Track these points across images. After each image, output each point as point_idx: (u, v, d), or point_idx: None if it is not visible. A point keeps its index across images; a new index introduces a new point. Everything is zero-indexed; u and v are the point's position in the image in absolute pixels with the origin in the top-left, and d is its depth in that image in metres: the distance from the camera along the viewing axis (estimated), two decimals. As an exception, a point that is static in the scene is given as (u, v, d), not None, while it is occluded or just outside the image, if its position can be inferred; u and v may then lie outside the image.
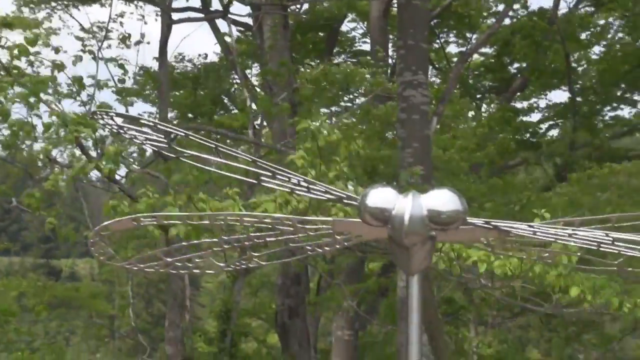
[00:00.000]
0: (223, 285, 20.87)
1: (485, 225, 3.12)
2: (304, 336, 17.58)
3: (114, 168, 7.64)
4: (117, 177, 10.14)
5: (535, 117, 20.47)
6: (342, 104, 19.00)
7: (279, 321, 17.70)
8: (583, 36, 18.97)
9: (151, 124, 3.42)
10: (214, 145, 3.45)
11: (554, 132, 20.36)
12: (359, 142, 7.78)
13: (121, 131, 3.44)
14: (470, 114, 19.16)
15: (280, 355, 17.69)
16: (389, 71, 16.75)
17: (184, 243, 3.75)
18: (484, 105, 20.74)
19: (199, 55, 22.10)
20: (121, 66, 12.06)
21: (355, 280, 16.71)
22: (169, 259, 3.57)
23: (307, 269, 17.69)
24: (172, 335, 12.17)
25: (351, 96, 19.04)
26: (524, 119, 19.73)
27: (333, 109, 18.95)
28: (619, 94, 19.16)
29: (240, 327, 13.84)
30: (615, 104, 19.36)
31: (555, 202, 12.85)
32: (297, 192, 3.27)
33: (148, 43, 16.40)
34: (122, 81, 12.21)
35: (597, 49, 19.31)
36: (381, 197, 3.02)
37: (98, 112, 3.42)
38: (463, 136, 15.18)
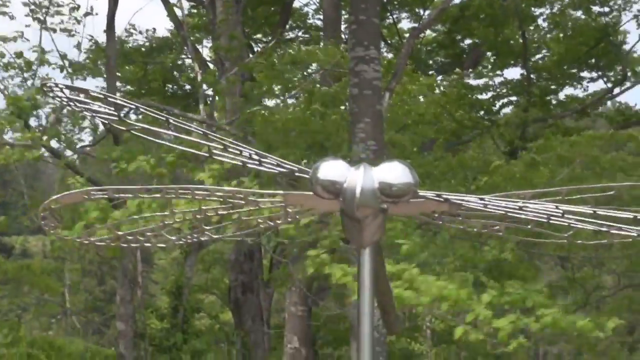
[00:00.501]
0: (176, 262, 20.80)
1: (437, 198, 3.13)
2: (257, 312, 17.60)
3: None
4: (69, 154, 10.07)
5: (489, 95, 20.61)
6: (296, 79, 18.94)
7: (232, 297, 17.71)
8: (538, 13, 19.12)
9: (101, 96, 3.38)
10: (165, 119, 3.41)
11: (508, 110, 20.52)
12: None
13: (70, 104, 3.39)
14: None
15: (233, 331, 17.71)
16: (342, 47, 16.72)
17: (135, 217, 3.73)
18: (438, 82, 20.81)
19: (147, 30, 21.88)
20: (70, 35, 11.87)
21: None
22: (120, 233, 3.55)
23: (260, 244, 17.70)
24: (124, 312, 12.11)
25: (305, 73, 19.00)
26: (479, 96, 19.84)
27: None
28: (572, 72, 19.33)
29: (192, 303, 13.79)
30: (568, 82, 19.55)
31: (509, 174, 12.96)
32: (248, 165, 3.25)
33: (96, 14, 16.21)
34: (64, 56, 12.05)
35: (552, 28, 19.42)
36: (333, 170, 3.02)
37: (47, 85, 3.37)
38: (417, 111, 15.20)
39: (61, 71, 12.15)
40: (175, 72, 20.09)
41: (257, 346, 17.50)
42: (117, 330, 12.50)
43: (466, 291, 7.31)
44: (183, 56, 19.80)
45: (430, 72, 19.93)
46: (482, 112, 19.54)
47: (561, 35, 19.00)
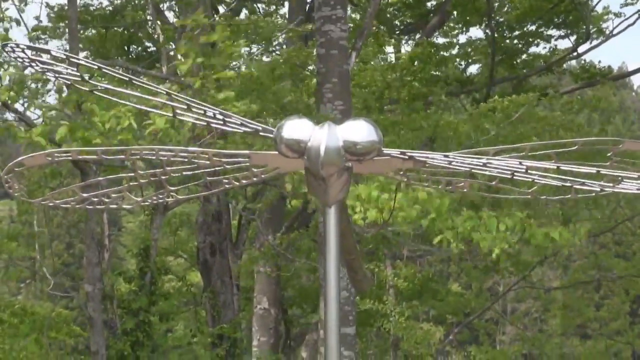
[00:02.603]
0: (144, 225, 20.75)
1: (401, 156, 3.13)
2: (226, 273, 17.63)
3: (13, 95, 7.47)
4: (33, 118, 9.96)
5: (454, 54, 20.63)
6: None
7: (201, 258, 17.72)
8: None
9: (63, 57, 3.35)
10: (127, 78, 3.39)
11: (473, 69, 20.59)
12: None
13: (32, 64, 3.37)
14: (390, 51, 19.24)
15: (202, 292, 17.74)
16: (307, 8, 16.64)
17: (100, 178, 3.71)
18: (403, 44, 20.81)
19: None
20: None
21: (277, 216, 16.77)
22: (85, 195, 3.54)
23: (228, 206, 17.68)
24: (91, 274, 12.08)
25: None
26: (444, 54, 19.85)
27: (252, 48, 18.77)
28: (533, 29, 19.38)
29: (159, 265, 13.79)
30: (533, 40, 19.60)
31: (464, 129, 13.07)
32: (212, 125, 3.25)
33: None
34: (18, 21, 11.88)
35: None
36: (297, 128, 3.01)
37: (9, 45, 3.34)
38: (381, 71, 15.21)
39: (17, 24, 11.99)
40: (139, 34, 19.90)
41: (227, 307, 17.55)
42: (85, 293, 12.47)
43: (447, 201, 7.35)
44: (145, 17, 19.58)
45: (397, 32, 19.92)
46: (447, 72, 19.57)
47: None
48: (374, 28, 15.86)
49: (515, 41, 19.58)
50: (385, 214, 7.05)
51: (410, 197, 7.35)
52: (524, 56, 20.05)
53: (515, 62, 19.76)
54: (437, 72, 18.71)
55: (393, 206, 6.90)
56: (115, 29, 19.32)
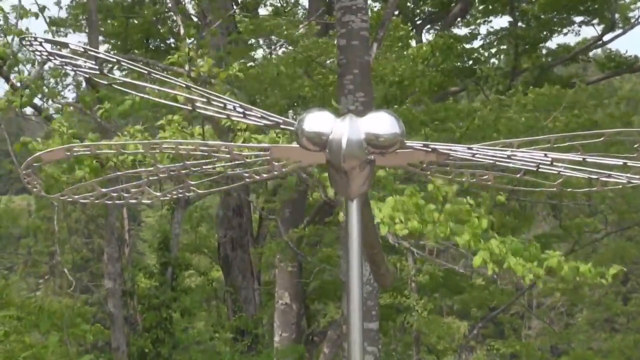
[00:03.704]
0: (165, 219, 20.84)
1: (424, 149, 3.13)
2: (247, 268, 17.68)
3: (26, 100, 7.51)
4: (51, 112, 10.01)
5: (477, 44, 20.58)
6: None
7: (222, 253, 17.77)
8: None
9: (82, 50, 3.37)
10: (146, 72, 3.41)
11: (496, 60, 20.49)
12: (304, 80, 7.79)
13: (51, 58, 3.39)
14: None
15: (223, 288, 17.80)
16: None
17: (119, 173, 3.73)
18: (424, 33, 20.78)
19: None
20: None
21: (299, 211, 16.79)
22: (103, 190, 3.55)
23: (249, 200, 17.73)
24: (112, 270, 12.14)
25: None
26: (466, 46, 19.79)
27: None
28: (562, 18, 19.26)
29: (181, 260, 13.85)
30: (555, 29, 19.50)
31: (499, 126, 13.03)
32: (233, 118, 3.25)
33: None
34: (43, 9, 11.93)
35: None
36: (318, 121, 3.01)
37: (27, 38, 3.36)
38: (404, 62, 15.20)
39: (36, 18, 12.06)
40: (158, 27, 19.96)
41: (248, 303, 17.61)
42: (105, 289, 12.54)
43: (486, 222, 7.36)
44: (166, 10, 19.65)
45: (418, 21, 19.88)
46: (470, 63, 19.51)
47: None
48: (395, 18, 15.85)
49: (540, 30, 19.47)
50: (429, 227, 7.06)
51: (451, 210, 7.36)
52: (547, 44, 19.98)
53: (539, 52, 19.67)
54: (459, 64, 18.67)
55: (439, 217, 6.89)
56: (136, 21, 19.37)
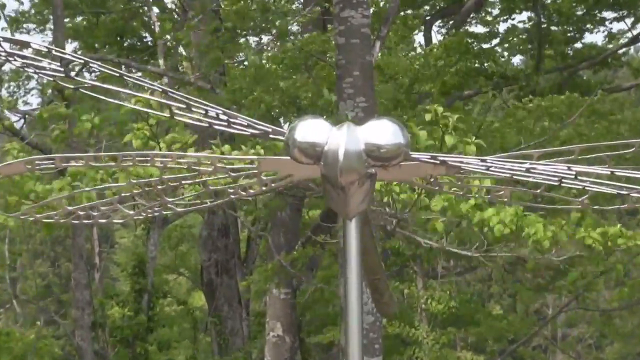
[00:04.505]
0: (141, 240, 20.81)
1: (432, 161, 3.13)
2: (234, 295, 17.65)
3: None
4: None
5: (495, 44, 20.57)
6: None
7: (205, 279, 17.74)
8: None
9: (46, 49, 3.36)
10: (118, 74, 3.40)
11: (517, 61, 20.53)
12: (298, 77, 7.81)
13: (10, 59, 3.37)
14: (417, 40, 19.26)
15: (207, 317, 17.77)
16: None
17: (87, 188, 3.73)
18: (435, 29, 20.81)
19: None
20: None
21: (292, 229, 16.76)
22: (70, 207, 3.55)
23: (236, 218, 17.70)
24: (80, 298, 12.12)
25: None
26: (483, 46, 19.80)
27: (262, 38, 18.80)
28: (591, 14, 19.28)
29: (158, 286, 13.83)
30: (584, 27, 19.51)
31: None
32: (215, 126, 3.25)
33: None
34: (3, 6, 11.94)
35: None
36: (312, 130, 3.00)
37: (-19, 38, 3.34)
38: (412, 62, 15.22)
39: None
40: (133, 22, 19.96)
41: (235, 334, 17.58)
42: (73, 320, 12.52)
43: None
44: (140, 4, 19.65)
45: (427, 16, 19.90)
46: (487, 64, 19.51)
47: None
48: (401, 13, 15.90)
49: (566, 27, 19.48)
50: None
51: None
52: (575, 44, 19.96)
53: (565, 53, 19.67)
54: (476, 64, 18.68)
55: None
56: (107, 16, 19.36)
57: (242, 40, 15.58)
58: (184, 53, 15.92)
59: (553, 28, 19.40)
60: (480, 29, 20.15)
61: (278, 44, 15.71)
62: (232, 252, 17.78)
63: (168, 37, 14.38)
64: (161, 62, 13.68)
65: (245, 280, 17.66)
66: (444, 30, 20.63)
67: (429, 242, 9.06)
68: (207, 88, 11.32)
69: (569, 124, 13.32)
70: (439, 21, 21.00)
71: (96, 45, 19.62)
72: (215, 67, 12.28)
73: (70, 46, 19.75)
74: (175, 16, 17.52)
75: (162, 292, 14.64)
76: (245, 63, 15.49)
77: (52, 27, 16.39)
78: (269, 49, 16.31)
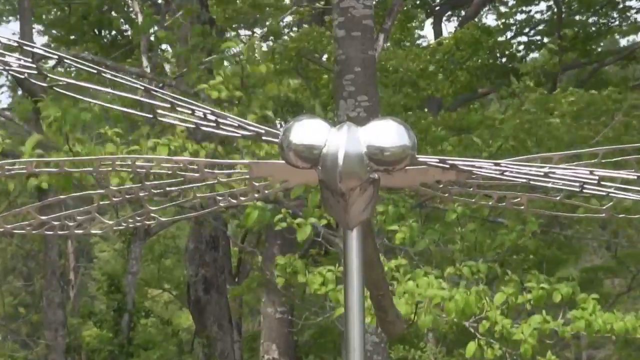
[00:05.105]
0: (120, 254, 20.81)
1: (441, 165, 3.12)
2: (224, 314, 17.63)
3: None
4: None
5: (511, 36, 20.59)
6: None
7: (192, 296, 17.72)
8: None
9: (15, 43, 3.37)
10: (96, 71, 3.40)
11: (535, 56, 20.53)
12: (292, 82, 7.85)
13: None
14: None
15: (194, 338, 17.76)
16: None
17: (62, 196, 3.73)
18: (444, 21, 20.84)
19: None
20: None
21: (288, 240, 16.76)
22: (43, 217, 3.55)
23: (226, 229, 17.68)
24: (53, 318, 12.10)
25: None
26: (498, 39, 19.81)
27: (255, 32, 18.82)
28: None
29: (139, 304, 13.81)
30: (609, 16, 19.52)
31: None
32: (202, 127, 3.25)
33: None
34: None
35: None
36: (309, 131, 3.00)
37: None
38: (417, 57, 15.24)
39: None
40: (112, 13, 19.95)
41: (225, 357, 17.57)
42: (45, 342, 12.51)
43: (474, 293, 7.49)
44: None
45: (436, 7, 19.94)
46: (502, 60, 19.53)
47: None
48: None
49: (588, 17, 19.50)
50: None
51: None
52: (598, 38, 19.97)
53: (588, 48, 19.68)
54: (490, 60, 18.69)
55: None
56: (82, 7, 19.34)
57: (232, 34, 15.60)
58: (168, 49, 15.93)
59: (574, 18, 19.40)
60: (493, 21, 20.15)
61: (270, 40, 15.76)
62: (221, 266, 17.76)
63: (150, 31, 14.37)
64: (145, 61, 13.64)
65: (235, 291, 17.64)
66: (453, 20, 20.65)
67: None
68: (190, 93, 11.34)
69: (617, 122, 13.29)
70: (449, 13, 21.03)
71: (72, 37, 19.60)
72: (198, 71, 12.28)
73: (40, 42, 19.78)
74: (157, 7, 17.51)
75: (144, 310, 14.59)
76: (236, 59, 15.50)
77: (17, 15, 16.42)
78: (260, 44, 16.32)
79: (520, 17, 20.23)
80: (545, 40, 20.23)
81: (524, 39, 20.44)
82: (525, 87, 17.43)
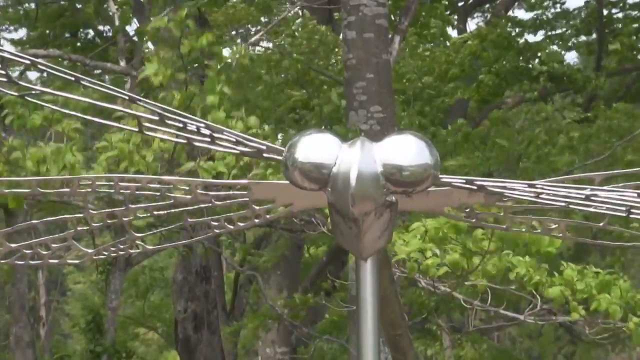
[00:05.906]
0: (98, 287, 20.82)
1: (467, 186, 3.12)
2: (217, 355, 17.63)
3: None
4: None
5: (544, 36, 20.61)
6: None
7: (181, 334, 17.72)
8: None
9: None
10: (74, 78, 3.39)
11: (572, 57, 20.57)
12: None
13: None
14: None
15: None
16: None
17: (34, 221, 3.73)
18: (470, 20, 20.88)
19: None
20: None
21: (291, 271, 16.76)
22: (13, 245, 3.54)
23: (220, 258, 17.69)
24: (21, 359, 12.10)
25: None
26: (528, 39, 19.84)
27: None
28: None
29: (120, 344, 13.79)
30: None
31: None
32: (196, 143, 3.24)
33: None
34: None
35: None
36: (317, 147, 2.99)
37: None
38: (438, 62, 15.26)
39: None
40: (86, 10, 20.00)
41: (218, 405, 17.55)
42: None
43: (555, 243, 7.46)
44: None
45: (460, 3, 19.98)
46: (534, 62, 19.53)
47: None
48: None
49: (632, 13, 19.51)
50: (475, 259, 7.00)
51: (506, 235, 7.38)
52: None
53: (634, 51, 19.66)
54: (522, 63, 18.67)
55: (488, 246, 6.83)
56: (48, 6, 19.40)
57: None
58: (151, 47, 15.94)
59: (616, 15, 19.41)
60: (525, 15, 20.16)
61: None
62: (213, 301, 17.74)
63: (128, 28, 14.44)
64: (122, 63, 13.69)
65: (229, 328, 17.63)
66: (480, 19, 20.69)
67: (461, 297, 9.05)
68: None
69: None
70: (476, 11, 21.07)
71: (47, 35, 19.65)
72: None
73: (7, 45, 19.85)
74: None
75: (126, 351, 14.58)
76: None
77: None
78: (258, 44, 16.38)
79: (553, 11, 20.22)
80: (583, 38, 20.23)
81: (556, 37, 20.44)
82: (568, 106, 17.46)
